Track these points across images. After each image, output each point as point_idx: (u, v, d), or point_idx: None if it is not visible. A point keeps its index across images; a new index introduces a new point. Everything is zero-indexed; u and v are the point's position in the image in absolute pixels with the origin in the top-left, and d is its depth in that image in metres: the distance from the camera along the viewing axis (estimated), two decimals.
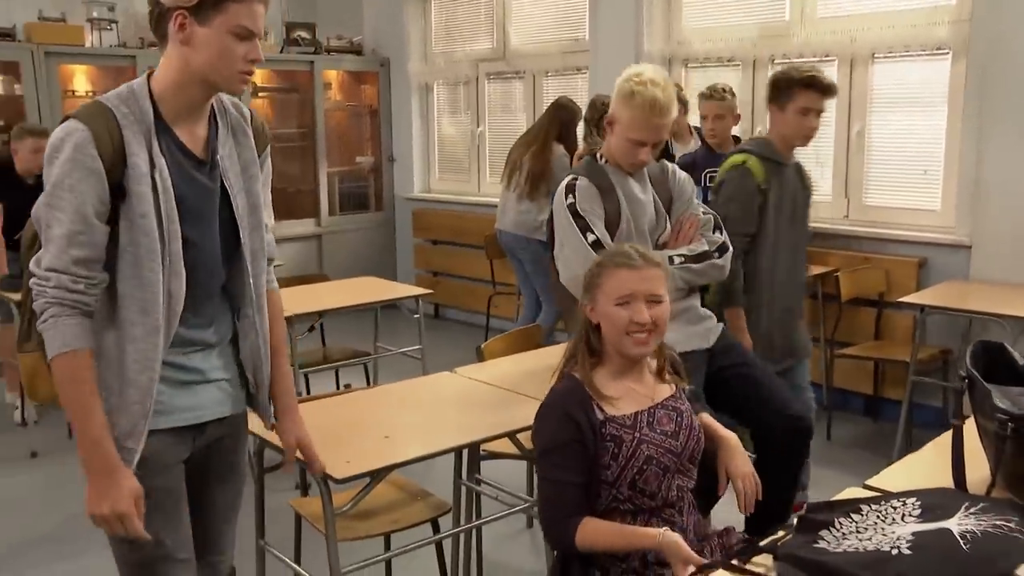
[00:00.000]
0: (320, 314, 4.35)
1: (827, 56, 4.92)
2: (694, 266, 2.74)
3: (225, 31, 1.70)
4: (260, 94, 7.08)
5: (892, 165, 4.78)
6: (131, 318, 1.73)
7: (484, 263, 6.28)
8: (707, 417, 2.19)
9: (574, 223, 2.64)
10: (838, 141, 4.96)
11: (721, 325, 2.91)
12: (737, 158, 3.25)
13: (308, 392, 4.48)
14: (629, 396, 2.04)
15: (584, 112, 5.08)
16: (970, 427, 1.98)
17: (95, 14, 6.14)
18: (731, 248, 2.86)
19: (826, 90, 3.17)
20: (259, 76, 6.99)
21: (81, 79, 6.23)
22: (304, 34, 7.05)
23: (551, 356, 3.18)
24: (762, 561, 1.70)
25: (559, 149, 5.18)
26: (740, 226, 3.16)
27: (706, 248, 2.77)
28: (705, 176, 4.22)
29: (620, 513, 2.00)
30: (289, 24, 7.00)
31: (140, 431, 1.76)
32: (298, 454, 2.05)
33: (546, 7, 6.45)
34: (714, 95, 4.30)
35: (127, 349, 1.74)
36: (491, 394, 2.80)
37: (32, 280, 1.69)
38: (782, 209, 3.25)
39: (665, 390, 2.11)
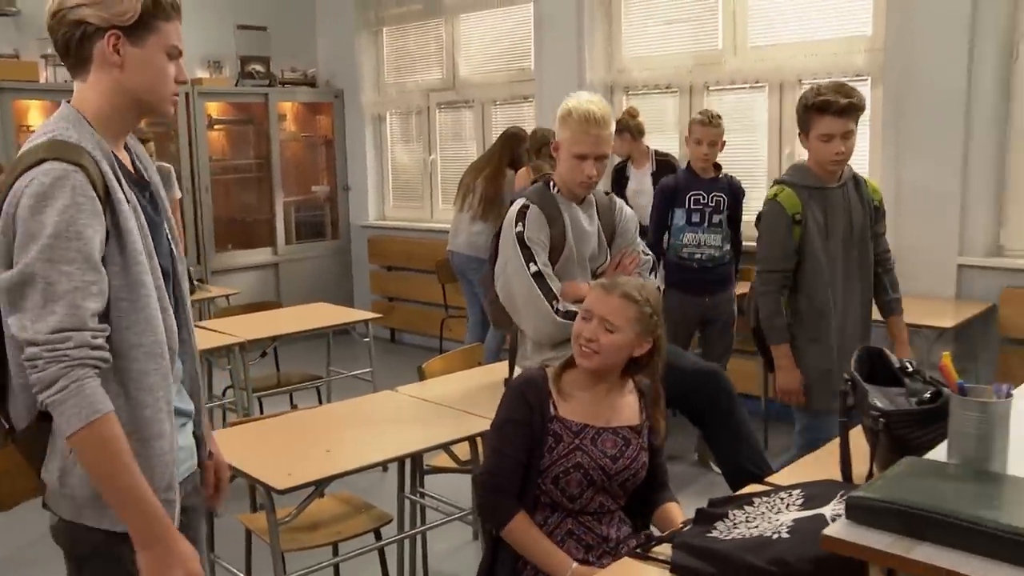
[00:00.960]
0: (273, 339, 4.48)
1: (757, 83, 5.18)
2: None
3: (159, 51, 1.64)
4: (216, 126, 7.20)
5: None
6: (142, 367, 1.61)
7: (437, 287, 6.44)
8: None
9: (519, 252, 2.75)
10: (771, 163, 5.20)
11: None
12: (771, 191, 3.13)
13: (261, 414, 4.60)
14: (586, 409, 2.18)
15: (530, 142, 5.32)
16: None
17: (49, 50, 6.25)
18: (661, 288, 3.02)
19: (843, 111, 2.93)
20: (215, 109, 7.13)
21: (35, 115, 6.33)
22: (258, 67, 7.20)
23: (489, 374, 3.38)
24: (662, 550, 1.87)
25: (510, 174, 5.42)
26: (774, 263, 3.08)
27: None
28: (689, 199, 4.29)
29: (541, 505, 2.16)
30: (244, 58, 7.15)
31: (175, 480, 1.67)
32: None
33: (494, 38, 6.66)
34: (711, 121, 4.28)
35: (144, 401, 1.62)
36: (429, 410, 2.95)
37: (35, 349, 1.49)
38: (832, 233, 3.06)
39: (628, 418, 2.23)
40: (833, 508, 1.82)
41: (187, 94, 6.75)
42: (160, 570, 1.58)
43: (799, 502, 1.91)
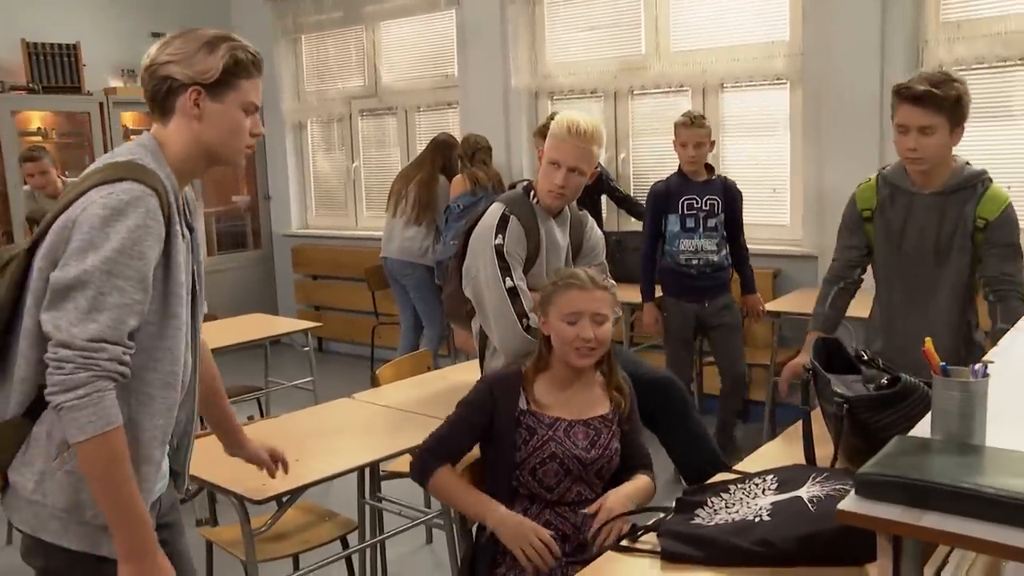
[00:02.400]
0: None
1: (681, 87, 5.34)
2: None
3: (236, 107, 1.74)
4: (131, 136, 7.00)
5: (745, 185, 5.16)
6: (151, 392, 1.66)
7: (365, 295, 6.42)
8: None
9: (496, 263, 2.77)
10: None
11: None
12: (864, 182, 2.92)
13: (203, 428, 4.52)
14: (559, 405, 2.28)
15: (461, 148, 5.40)
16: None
17: None
18: (620, 316, 3.08)
19: (918, 99, 2.60)
20: (130, 119, 6.96)
21: None
22: None
23: (442, 379, 3.41)
24: (648, 539, 1.95)
25: (443, 179, 5.49)
26: (836, 252, 2.99)
27: None
28: (682, 204, 4.23)
29: (520, 497, 2.24)
30: None
31: (147, 505, 1.68)
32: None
33: (416, 45, 6.68)
34: (695, 122, 4.20)
35: (143, 424, 1.66)
36: (390, 416, 2.97)
37: (67, 352, 1.52)
38: (896, 242, 2.81)
39: (598, 408, 2.32)
40: (808, 490, 1.93)
41: (101, 104, 6.60)
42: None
43: (774, 487, 2.01)
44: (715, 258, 4.25)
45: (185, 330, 1.73)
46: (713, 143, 4.30)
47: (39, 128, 6.56)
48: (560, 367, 2.30)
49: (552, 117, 5.24)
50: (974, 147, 4.47)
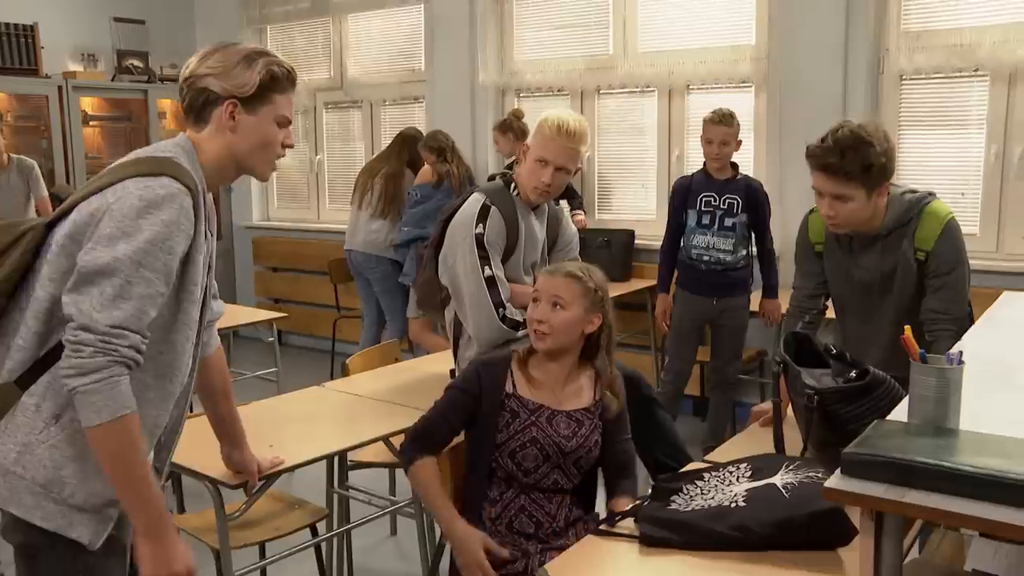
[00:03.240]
0: None
1: (648, 87, 5.41)
2: None
3: (270, 120, 1.80)
4: (91, 122, 6.92)
5: None
6: (148, 381, 1.70)
7: (327, 288, 6.40)
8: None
9: (476, 252, 2.78)
10: (660, 165, 5.43)
11: None
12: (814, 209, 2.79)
13: None
14: (545, 390, 2.31)
15: (427, 143, 5.39)
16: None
17: None
18: None
19: (824, 169, 2.51)
20: (89, 104, 6.86)
21: None
22: (136, 62, 6.97)
23: (412, 369, 3.42)
24: (625, 525, 1.99)
25: (409, 173, 5.50)
26: (795, 279, 2.93)
27: None
28: (700, 200, 4.21)
29: (496, 479, 2.27)
30: (120, 52, 6.91)
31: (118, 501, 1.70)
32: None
33: (383, 38, 6.67)
34: (723, 120, 4.14)
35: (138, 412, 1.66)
36: (360, 404, 2.98)
37: (87, 335, 1.54)
38: (845, 276, 2.75)
39: (581, 400, 2.34)
40: (782, 477, 1.99)
41: (60, 87, 6.48)
42: (164, 561, 1.66)
43: (748, 474, 2.07)
44: (728, 257, 4.20)
45: (193, 328, 1.77)
46: (740, 142, 4.25)
47: None
48: (542, 356, 2.33)
49: (515, 113, 5.35)
50: (929, 155, 4.62)
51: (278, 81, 1.80)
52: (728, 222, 4.20)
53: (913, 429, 1.45)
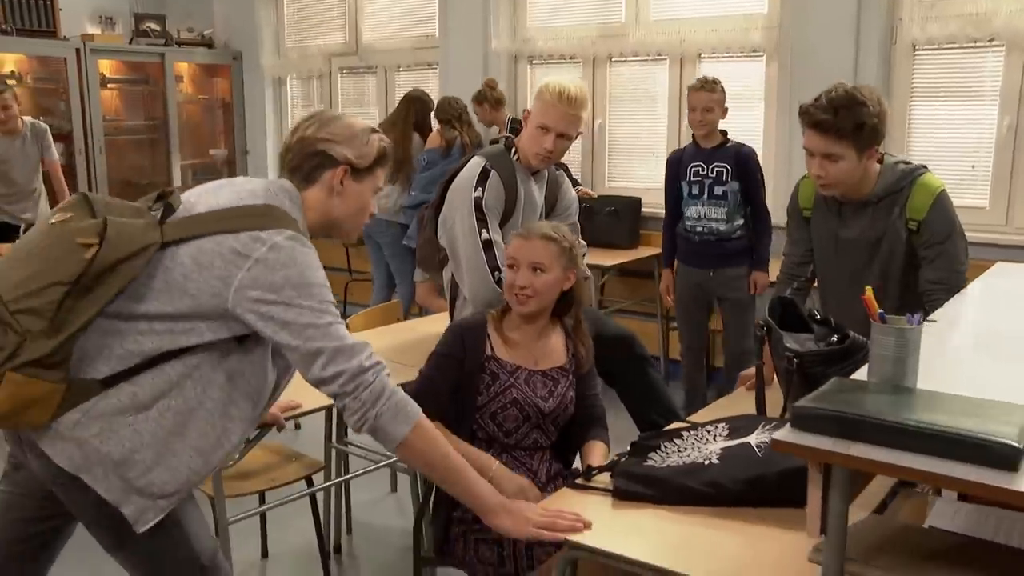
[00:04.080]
0: None
1: (659, 55, 5.39)
2: None
3: (370, 190, 1.97)
4: (109, 85, 6.99)
5: None
6: (235, 399, 1.81)
7: (339, 251, 6.47)
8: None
9: (474, 215, 2.82)
10: (670, 134, 5.43)
11: None
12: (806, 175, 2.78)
13: None
14: (521, 351, 2.36)
15: (436, 112, 5.42)
16: None
17: None
18: (589, 277, 3.13)
19: (816, 126, 2.51)
20: (107, 67, 6.93)
21: None
22: (153, 25, 7.02)
23: (412, 329, 3.47)
24: (601, 479, 2.04)
25: (416, 138, 5.50)
26: (786, 245, 2.95)
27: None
28: (689, 170, 4.15)
29: (477, 441, 2.31)
30: (138, 15, 6.97)
31: (179, 497, 1.79)
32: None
33: (398, 3, 6.68)
34: (704, 86, 4.06)
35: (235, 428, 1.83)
36: None
37: (353, 365, 1.76)
38: (831, 244, 2.76)
39: (556, 359, 2.40)
40: (757, 436, 2.03)
41: (78, 50, 6.54)
42: (518, 524, 1.87)
43: (724, 433, 2.11)
44: (722, 227, 4.11)
45: (281, 358, 1.89)
46: (726, 109, 4.14)
47: (13, 72, 6.50)
48: (516, 315, 2.37)
49: (489, 83, 5.38)
50: (940, 127, 4.59)
51: (386, 158, 1.99)
52: (718, 190, 4.11)
53: (870, 387, 1.48)
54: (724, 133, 4.17)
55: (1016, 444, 1.21)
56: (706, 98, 4.07)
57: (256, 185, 1.88)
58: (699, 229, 4.16)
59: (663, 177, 5.41)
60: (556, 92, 2.83)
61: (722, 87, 4.12)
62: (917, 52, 4.60)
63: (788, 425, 1.36)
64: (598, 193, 5.58)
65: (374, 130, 1.97)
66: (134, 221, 1.74)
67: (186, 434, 1.75)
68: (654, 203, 5.41)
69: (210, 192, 1.87)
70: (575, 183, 5.50)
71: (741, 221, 4.13)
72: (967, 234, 2.68)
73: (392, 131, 5.48)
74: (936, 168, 2.77)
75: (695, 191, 4.15)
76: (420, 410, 1.85)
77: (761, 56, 5.02)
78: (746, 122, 5.11)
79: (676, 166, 4.25)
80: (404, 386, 2.21)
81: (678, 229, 4.29)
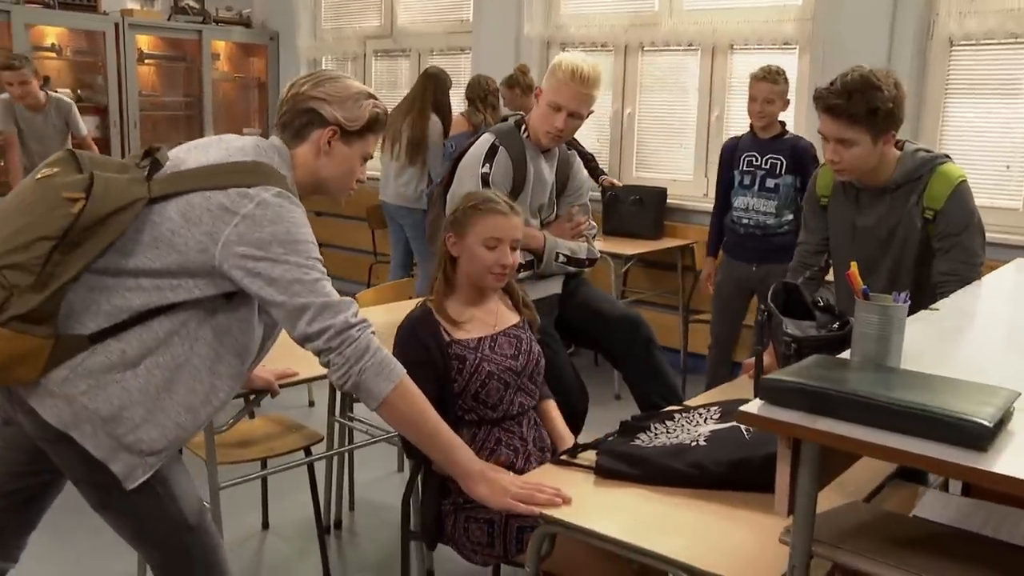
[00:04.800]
0: None
1: (691, 45, 5.32)
2: (570, 268, 3.03)
3: (359, 155, 1.95)
4: (147, 60, 7.06)
5: None
6: (223, 355, 1.81)
7: (366, 234, 6.47)
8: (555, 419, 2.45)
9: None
10: (699, 125, 5.36)
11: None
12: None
13: None
14: (475, 322, 2.32)
15: (466, 90, 5.37)
16: None
17: None
18: (598, 258, 3.11)
19: (829, 110, 2.47)
20: (145, 42, 7.00)
21: None
22: (192, 3, 7.08)
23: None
24: (586, 456, 2.00)
25: (434, 118, 5.40)
26: (801, 234, 2.90)
27: (584, 257, 3.06)
28: (743, 160, 4.06)
29: (466, 424, 2.27)
30: None
31: (167, 454, 1.80)
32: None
33: None
34: (767, 77, 3.97)
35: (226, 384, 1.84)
36: None
37: (339, 321, 1.77)
38: (848, 231, 2.70)
39: (510, 319, 2.40)
40: None
41: (116, 24, 6.60)
42: (496, 492, 1.87)
43: (716, 416, 2.07)
44: (770, 220, 4.00)
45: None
46: (787, 102, 4.05)
47: (53, 44, 6.59)
48: (467, 287, 2.33)
49: (521, 68, 5.32)
50: (975, 125, 4.48)
51: (377, 124, 1.96)
52: (770, 183, 4.00)
53: (851, 365, 1.44)
54: (783, 124, 4.08)
55: (987, 423, 1.16)
56: (768, 89, 3.98)
57: (246, 142, 1.87)
58: (745, 221, 4.08)
59: (691, 167, 5.41)
60: (569, 70, 2.79)
61: (785, 77, 4.04)
62: (954, 48, 4.49)
63: (757, 398, 1.32)
64: (624, 182, 5.53)
65: (371, 95, 1.95)
66: (121, 176, 1.74)
67: (174, 391, 1.75)
68: (680, 194, 5.37)
69: (199, 148, 1.86)
70: (601, 172, 5.47)
71: (791, 217, 3.99)
72: (998, 235, 2.61)
73: (411, 110, 5.41)
74: (969, 168, 2.68)
75: (746, 181, 4.06)
76: (404, 370, 1.84)
77: (794, 49, 4.93)
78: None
79: (730, 154, 4.17)
80: None
81: (725, 220, 4.20)
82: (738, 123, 5.19)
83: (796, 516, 1.31)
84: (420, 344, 2.23)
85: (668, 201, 5.33)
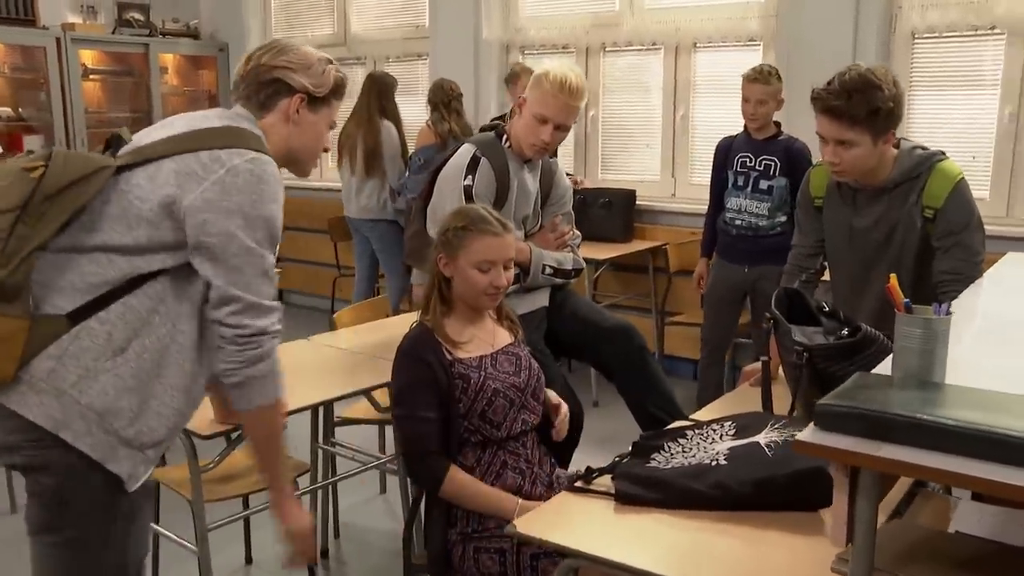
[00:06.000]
0: None
1: (654, 45, 5.28)
2: (556, 279, 2.96)
3: (325, 122, 1.92)
4: (91, 76, 6.83)
5: (713, 146, 5.12)
6: (194, 355, 1.77)
7: (327, 247, 6.34)
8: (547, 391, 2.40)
9: (464, 204, 2.72)
10: (664, 125, 5.32)
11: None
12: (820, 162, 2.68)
13: None
14: (474, 341, 2.24)
15: (428, 95, 5.24)
16: None
17: None
18: (584, 268, 3.06)
19: (829, 111, 2.39)
20: (89, 57, 6.77)
21: None
22: (137, 15, 6.87)
23: (402, 324, 3.35)
24: (602, 482, 1.92)
25: (386, 124, 5.26)
26: (795, 236, 2.85)
27: (570, 268, 3.00)
28: (736, 161, 4.02)
29: (471, 445, 2.18)
30: (121, 4, 6.81)
31: (166, 445, 1.80)
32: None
33: None
34: (759, 78, 3.89)
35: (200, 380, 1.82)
36: (346, 358, 2.92)
37: (261, 323, 1.72)
38: (844, 233, 2.64)
39: (505, 337, 2.33)
40: (766, 436, 1.92)
41: (58, 39, 6.37)
42: (301, 518, 1.92)
43: (732, 432, 2.00)
44: (762, 222, 3.95)
45: None
46: (781, 101, 3.98)
47: None
48: (462, 308, 2.26)
49: (520, 65, 5.21)
50: (940, 116, 4.49)
51: (341, 89, 1.94)
52: (764, 184, 3.95)
53: (895, 382, 1.37)
54: (778, 125, 4.03)
55: None
56: (760, 90, 3.91)
57: (210, 112, 1.83)
58: (738, 222, 4.02)
59: (658, 168, 5.37)
60: (557, 82, 2.72)
61: (778, 76, 3.97)
62: (917, 40, 4.50)
63: (811, 424, 1.25)
64: (592, 185, 5.47)
65: (330, 61, 1.92)
66: (83, 152, 1.74)
67: (164, 374, 1.70)
68: (648, 195, 5.32)
69: (163, 126, 1.81)
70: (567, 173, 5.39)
71: (783, 219, 3.94)
72: None
73: (359, 121, 5.27)
74: None
75: (740, 182, 4.01)
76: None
77: (758, 45, 4.91)
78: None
79: (724, 155, 4.11)
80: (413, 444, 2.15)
81: (718, 221, 4.15)
82: (704, 122, 5.17)
83: (856, 545, 1.24)
84: (424, 363, 2.14)
85: (637, 203, 5.28)
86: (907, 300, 1.39)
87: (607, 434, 3.50)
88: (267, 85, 1.84)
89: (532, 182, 2.93)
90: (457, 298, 2.25)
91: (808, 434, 1.23)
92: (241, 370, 1.71)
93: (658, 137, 5.35)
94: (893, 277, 1.45)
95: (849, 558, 1.26)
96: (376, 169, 5.23)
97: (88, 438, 1.62)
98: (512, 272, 2.30)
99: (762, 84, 3.90)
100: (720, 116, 5.08)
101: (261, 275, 1.71)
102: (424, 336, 2.20)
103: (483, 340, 2.26)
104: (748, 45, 4.95)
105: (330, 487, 3.26)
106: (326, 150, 1.96)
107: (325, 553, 3.24)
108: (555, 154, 3.08)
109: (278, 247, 1.76)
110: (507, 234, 2.24)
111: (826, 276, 2.86)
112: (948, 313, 1.39)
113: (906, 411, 1.19)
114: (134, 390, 1.66)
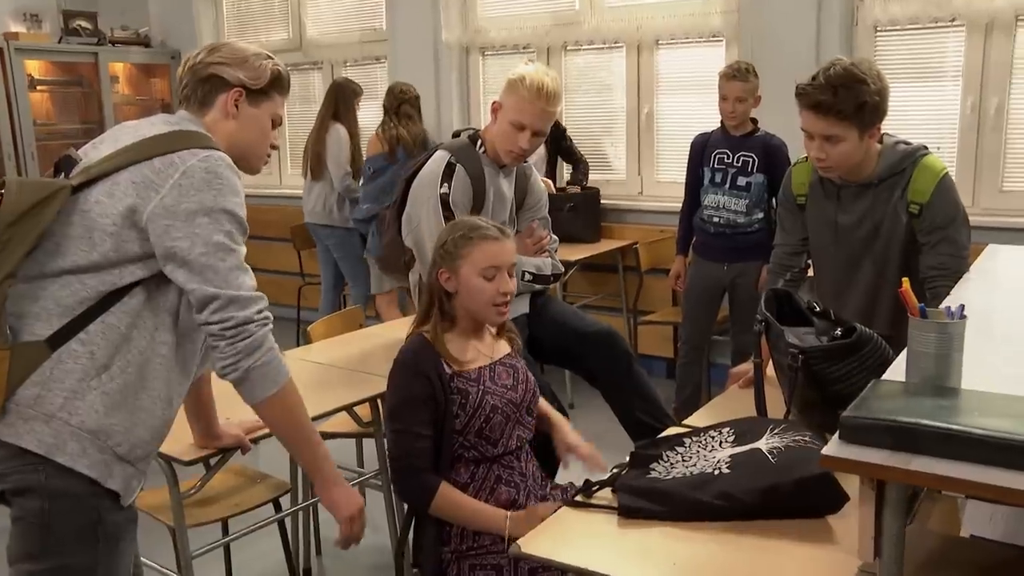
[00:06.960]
0: None
1: (616, 43, 5.26)
2: (536, 286, 2.92)
3: (267, 116, 1.89)
4: (39, 87, 6.64)
5: (679, 143, 5.13)
6: (172, 366, 1.77)
7: (291, 256, 6.22)
8: (543, 404, 2.35)
9: (440, 212, 2.68)
10: (629, 123, 5.30)
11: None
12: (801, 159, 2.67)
13: None
14: (473, 354, 2.18)
15: (383, 100, 5.16)
16: None
17: None
18: (562, 272, 3.01)
19: (815, 107, 2.36)
20: (35, 68, 6.58)
21: None
22: (84, 23, 6.70)
23: (377, 335, 3.29)
24: (603, 495, 1.88)
25: (336, 127, 5.21)
26: (778, 235, 2.80)
27: (549, 273, 2.95)
28: (714, 157, 3.99)
29: (464, 461, 2.13)
30: (67, 12, 6.63)
31: (153, 456, 1.82)
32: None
33: None
34: (737, 75, 3.87)
35: (177, 395, 1.82)
36: (323, 373, 2.85)
37: (245, 313, 1.69)
38: (829, 231, 2.61)
39: (503, 348, 2.27)
40: (767, 442, 1.89)
41: (1, 49, 6.18)
42: (350, 501, 1.91)
43: (731, 439, 1.97)
44: (740, 219, 3.93)
45: None
46: (758, 98, 3.96)
47: None
48: (466, 321, 2.20)
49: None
50: (904, 108, 4.52)
51: (281, 82, 1.90)
52: (742, 181, 3.93)
53: (913, 389, 1.35)
54: (755, 121, 4.01)
55: None
56: (739, 88, 3.88)
57: (154, 119, 1.81)
58: (716, 219, 3.99)
59: (623, 167, 5.34)
60: (535, 88, 2.68)
61: (755, 73, 3.95)
62: (879, 33, 4.52)
63: (836, 437, 1.21)
64: (557, 186, 5.43)
65: (269, 56, 1.91)
66: (36, 178, 1.73)
67: (149, 386, 1.71)
68: (614, 194, 5.30)
69: (108, 140, 1.78)
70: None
71: (761, 215, 3.93)
72: None
73: (315, 126, 5.28)
74: None
75: (717, 179, 3.98)
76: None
77: (720, 41, 4.91)
78: (707, 107, 4.99)
79: (699, 151, 4.08)
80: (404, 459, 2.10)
81: (695, 218, 4.11)
82: (668, 119, 5.16)
83: (884, 560, 1.21)
84: (423, 377, 2.08)
85: (603, 202, 5.25)
86: (922, 305, 1.37)
87: (585, 436, 3.46)
88: (204, 82, 1.84)
89: (508, 187, 2.88)
90: (461, 313, 2.18)
91: (834, 448, 1.20)
92: (237, 363, 1.69)
93: (623, 136, 5.33)
94: (906, 281, 1.43)
95: (876, 572, 1.23)
96: (321, 172, 5.21)
97: (84, 459, 1.62)
98: (515, 280, 2.23)
99: (740, 81, 3.88)
100: (686, 113, 5.08)
101: (235, 268, 1.70)
102: (424, 348, 2.14)
103: (482, 353, 2.21)
104: (711, 41, 4.94)
105: (310, 506, 3.17)
106: (275, 147, 1.94)
107: (308, 572, 3.17)
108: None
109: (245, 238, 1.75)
110: (506, 239, 2.19)
111: (810, 273, 2.85)
112: (963, 316, 1.36)
113: (936, 421, 1.16)
114: (122, 405, 1.66)
